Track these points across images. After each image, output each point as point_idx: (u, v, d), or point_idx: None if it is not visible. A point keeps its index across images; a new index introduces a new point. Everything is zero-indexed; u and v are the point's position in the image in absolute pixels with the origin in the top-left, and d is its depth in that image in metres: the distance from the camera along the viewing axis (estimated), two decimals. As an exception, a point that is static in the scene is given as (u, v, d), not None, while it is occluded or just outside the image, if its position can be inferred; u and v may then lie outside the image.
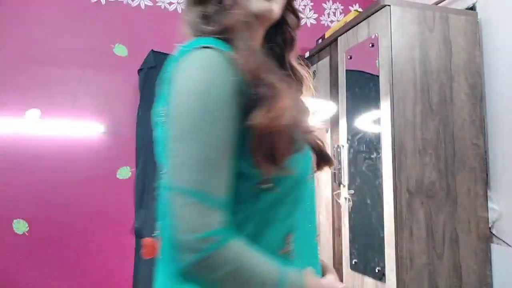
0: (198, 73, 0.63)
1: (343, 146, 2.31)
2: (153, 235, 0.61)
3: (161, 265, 0.74)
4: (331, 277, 0.75)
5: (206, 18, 0.76)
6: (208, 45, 0.65)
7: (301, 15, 3.16)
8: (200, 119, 0.60)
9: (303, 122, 0.72)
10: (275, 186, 0.65)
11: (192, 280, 0.59)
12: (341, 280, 2.31)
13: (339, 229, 2.37)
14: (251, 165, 0.62)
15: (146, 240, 0.62)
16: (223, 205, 0.59)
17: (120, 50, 2.69)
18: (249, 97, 0.62)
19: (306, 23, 3.06)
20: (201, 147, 0.59)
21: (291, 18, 0.87)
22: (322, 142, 0.80)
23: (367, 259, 2.07)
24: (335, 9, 3.14)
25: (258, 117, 0.60)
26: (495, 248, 1.99)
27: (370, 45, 2.06)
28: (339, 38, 2.41)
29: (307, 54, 2.88)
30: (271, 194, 0.66)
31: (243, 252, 0.59)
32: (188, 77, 0.64)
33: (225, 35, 0.69)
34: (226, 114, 0.60)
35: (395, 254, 1.84)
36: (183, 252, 0.57)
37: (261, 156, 0.61)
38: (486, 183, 2.02)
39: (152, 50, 2.67)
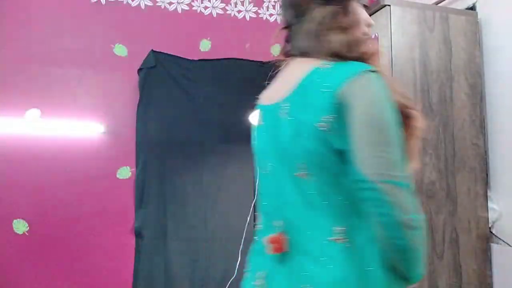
0: (383, 91, 0.76)
1: (343, 146, 2.31)
2: (276, 231, 0.65)
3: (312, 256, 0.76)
4: None
5: (349, 46, 0.82)
6: (372, 69, 0.78)
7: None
8: (396, 128, 0.75)
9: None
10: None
11: (410, 251, 0.77)
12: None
13: (339, 229, 2.37)
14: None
15: (274, 237, 0.66)
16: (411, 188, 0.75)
17: (120, 50, 2.69)
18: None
19: (306, 23, 3.06)
20: (400, 150, 0.75)
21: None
22: None
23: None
24: (335, 9, 3.14)
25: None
26: (495, 248, 1.99)
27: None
28: (339, 38, 2.41)
29: (307, 54, 2.88)
30: None
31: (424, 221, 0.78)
32: (378, 94, 0.76)
33: (362, 60, 0.82)
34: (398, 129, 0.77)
35: (395, 254, 1.84)
36: (408, 229, 0.74)
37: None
38: (486, 183, 2.02)
39: (152, 50, 2.67)
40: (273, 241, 0.79)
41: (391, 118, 0.75)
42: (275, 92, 0.94)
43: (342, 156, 0.75)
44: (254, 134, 1.02)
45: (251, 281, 0.86)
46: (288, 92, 0.84)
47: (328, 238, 0.75)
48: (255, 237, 0.95)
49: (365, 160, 0.72)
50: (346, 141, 0.74)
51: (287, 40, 1.04)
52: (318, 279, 0.74)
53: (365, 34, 0.91)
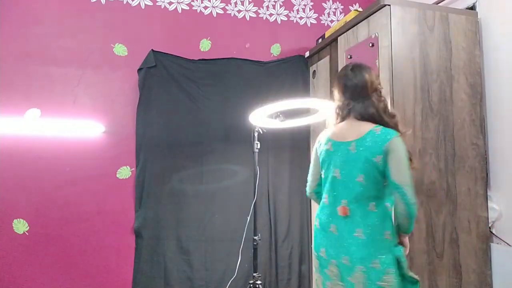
0: (403, 147, 1.51)
1: (343, 145, 2.31)
2: (342, 205, 1.60)
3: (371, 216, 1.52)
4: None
5: (391, 123, 1.57)
6: (399, 135, 1.53)
7: (301, 14, 3.17)
8: (407, 163, 1.50)
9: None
10: None
11: (413, 215, 1.48)
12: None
13: (339, 229, 2.37)
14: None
15: (342, 207, 1.55)
16: None
17: (120, 49, 2.69)
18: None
19: (306, 22, 3.06)
20: (409, 171, 1.49)
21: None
22: None
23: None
24: (335, 8, 3.14)
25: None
26: (495, 247, 1.99)
27: (370, 44, 2.05)
28: (339, 38, 2.41)
29: (307, 54, 2.88)
30: None
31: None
32: (402, 149, 1.50)
33: (394, 128, 1.55)
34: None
35: (395, 254, 1.84)
36: (414, 206, 1.47)
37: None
38: (486, 183, 2.02)
39: (152, 49, 2.67)
40: (341, 209, 1.56)
41: (406, 159, 1.50)
42: (344, 136, 1.60)
43: (381, 174, 1.52)
44: (323, 153, 1.67)
45: (326, 228, 1.60)
46: (356, 138, 1.56)
47: (367, 209, 1.52)
48: (324, 205, 1.65)
49: (396, 175, 1.48)
50: (386, 167, 1.50)
51: (343, 107, 1.63)
52: (363, 224, 1.50)
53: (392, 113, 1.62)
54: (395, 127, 1.55)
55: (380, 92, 1.60)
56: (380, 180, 1.51)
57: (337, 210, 1.55)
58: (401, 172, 1.47)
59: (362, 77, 1.56)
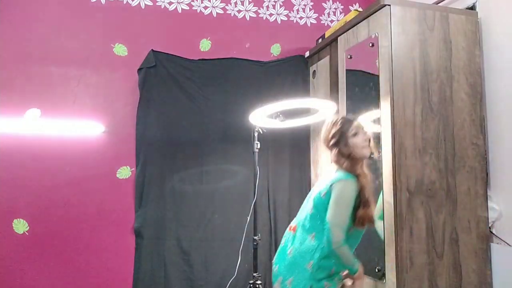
0: (346, 190, 1.67)
1: (343, 145, 2.31)
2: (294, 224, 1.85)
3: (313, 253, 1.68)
4: (362, 270, 1.70)
5: (345, 166, 1.73)
6: (349, 178, 1.68)
7: (301, 14, 3.17)
8: (343, 206, 1.66)
9: (372, 214, 1.71)
10: (355, 232, 1.70)
11: (336, 255, 1.61)
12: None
13: (339, 229, 2.37)
14: (352, 223, 1.67)
15: (292, 226, 1.82)
16: (345, 232, 1.63)
17: (120, 49, 2.69)
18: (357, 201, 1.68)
19: (306, 22, 3.06)
20: (346, 215, 1.64)
21: (374, 152, 1.84)
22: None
23: (367, 258, 2.07)
24: (335, 8, 3.14)
25: (360, 212, 1.66)
26: (495, 247, 1.99)
27: (370, 44, 2.05)
28: (339, 38, 2.41)
29: (307, 54, 2.88)
30: (351, 233, 1.68)
31: (347, 248, 1.63)
32: (343, 191, 1.66)
33: (358, 173, 1.71)
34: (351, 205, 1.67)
35: (395, 254, 1.84)
36: (335, 246, 1.60)
37: (358, 223, 1.67)
38: (486, 183, 2.02)
39: (152, 49, 2.67)
40: (292, 226, 1.81)
41: (344, 201, 1.64)
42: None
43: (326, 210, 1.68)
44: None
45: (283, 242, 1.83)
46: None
47: (307, 236, 1.71)
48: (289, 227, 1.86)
49: (328, 213, 1.64)
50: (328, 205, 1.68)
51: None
52: (297, 247, 1.70)
53: (362, 152, 1.74)
54: (347, 171, 1.70)
55: (334, 143, 1.77)
56: (325, 216, 1.66)
57: (289, 227, 1.83)
58: (331, 211, 1.62)
59: (322, 134, 1.84)
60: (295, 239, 1.73)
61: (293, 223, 1.82)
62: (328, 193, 1.66)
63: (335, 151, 1.76)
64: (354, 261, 1.65)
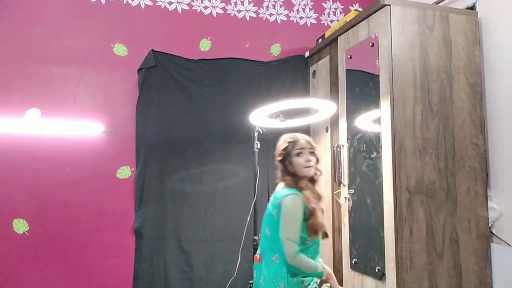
0: (292, 204, 1.74)
1: (343, 145, 2.31)
2: (258, 253, 1.88)
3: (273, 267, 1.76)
4: (329, 269, 1.82)
5: (289, 182, 1.82)
6: (294, 193, 1.75)
7: (301, 14, 3.17)
8: (293, 219, 1.72)
9: (322, 221, 1.77)
10: (312, 242, 1.77)
11: (292, 266, 1.68)
12: (341, 280, 2.31)
13: (339, 229, 2.37)
14: (306, 234, 1.72)
15: (257, 255, 1.87)
16: (298, 244, 1.70)
17: (120, 49, 2.69)
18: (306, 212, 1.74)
19: (306, 22, 3.06)
20: (295, 227, 1.70)
21: (317, 171, 1.88)
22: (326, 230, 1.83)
23: (367, 258, 2.07)
24: (335, 8, 3.14)
25: (310, 222, 1.72)
26: (495, 247, 1.99)
27: (370, 44, 2.05)
28: (339, 38, 2.41)
29: (307, 54, 2.88)
30: (309, 245, 1.76)
31: (303, 257, 1.70)
32: (290, 206, 1.73)
33: (300, 186, 1.79)
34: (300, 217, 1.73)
35: (395, 254, 1.84)
36: (289, 259, 1.68)
37: (311, 232, 1.72)
38: (486, 183, 2.02)
39: (152, 49, 2.67)
40: (256, 257, 1.88)
41: (292, 215, 1.71)
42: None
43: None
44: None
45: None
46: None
47: (271, 259, 1.76)
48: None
49: (280, 229, 1.70)
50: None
51: None
52: (266, 273, 1.76)
53: (303, 172, 1.82)
54: (291, 187, 1.78)
55: (280, 160, 1.86)
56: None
57: (254, 257, 1.88)
58: (282, 227, 1.69)
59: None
60: (263, 268, 1.78)
61: (258, 253, 1.88)
62: (279, 211, 1.72)
63: (281, 167, 1.86)
64: (315, 266, 1.72)
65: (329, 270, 1.81)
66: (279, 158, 1.86)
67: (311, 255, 1.75)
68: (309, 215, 1.72)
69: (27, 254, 2.45)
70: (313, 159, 1.84)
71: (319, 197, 1.86)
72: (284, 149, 1.85)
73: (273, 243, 1.74)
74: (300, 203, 1.72)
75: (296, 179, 1.80)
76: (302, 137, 1.88)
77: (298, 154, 1.82)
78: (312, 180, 1.88)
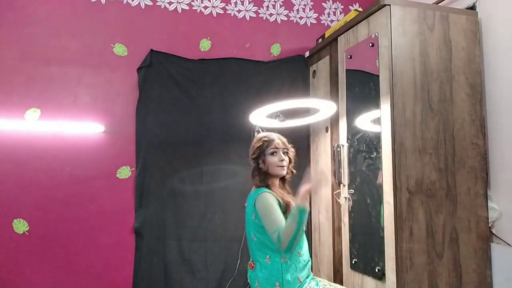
0: (264, 200, 1.75)
1: (343, 145, 2.31)
2: (251, 260, 1.87)
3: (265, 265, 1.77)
4: (298, 198, 1.67)
5: (259, 181, 1.84)
6: (263, 191, 1.77)
7: (301, 14, 3.16)
8: (271, 211, 1.71)
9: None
10: None
11: (285, 248, 1.63)
12: (341, 280, 2.31)
13: (339, 229, 2.37)
14: None
15: (250, 263, 1.85)
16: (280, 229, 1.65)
17: (120, 49, 2.69)
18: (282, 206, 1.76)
19: (306, 22, 3.05)
20: (274, 218, 1.68)
21: (289, 171, 1.90)
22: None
23: (367, 258, 2.07)
24: (335, 8, 3.14)
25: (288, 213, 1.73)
26: (495, 247, 1.99)
27: (370, 44, 2.05)
28: (339, 38, 2.41)
29: (307, 54, 2.88)
30: None
31: (282, 230, 1.63)
32: (262, 203, 1.74)
33: (267, 184, 1.82)
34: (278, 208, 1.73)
35: (395, 254, 1.84)
36: (283, 246, 1.63)
37: None
38: (486, 183, 2.02)
39: (151, 49, 2.67)
40: (249, 264, 1.85)
41: (266, 210, 1.70)
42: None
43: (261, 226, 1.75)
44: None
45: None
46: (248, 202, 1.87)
47: (264, 261, 1.75)
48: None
49: (265, 226, 1.70)
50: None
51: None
52: (260, 275, 1.74)
53: (276, 171, 1.84)
54: (259, 186, 1.80)
55: (255, 160, 1.86)
56: (267, 237, 1.70)
57: (248, 265, 1.86)
58: (266, 224, 1.68)
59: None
60: (257, 272, 1.76)
61: (250, 261, 1.87)
62: (257, 214, 1.74)
63: (253, 165, 1.87)
64: (293, 218, 1.61)
65: (298, 198, 1.65)
66: (253, 156, 1.87)
67: (298, 246, 1.75)
68: (285, 209, 1.74)
69: (27, 254, 2.46)
70: (287, 159, 1.86)
71: (288, 194, 1.87)
72: (259, 147, 1.86)
73: (262, 246, 1.75)
74: (273, 197, 1.74)
75: (265, 178, 1.82)
76: (277, 137, 1.89)
77: (272, 153, 1.84)
78: (283, 180, 1.90)
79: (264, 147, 1.85)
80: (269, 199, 1.72)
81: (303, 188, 1.64)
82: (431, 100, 1.96)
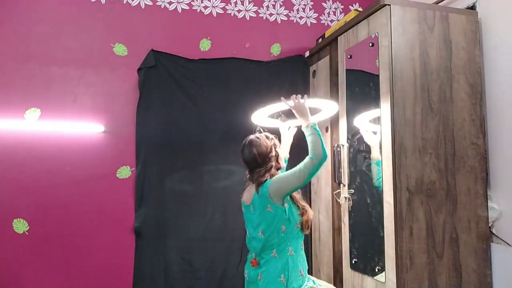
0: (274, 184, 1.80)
1: (343, 145, 2.31)
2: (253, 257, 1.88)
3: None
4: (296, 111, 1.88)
5: (264, 174, 1.83)
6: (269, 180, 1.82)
7: (301, 14, 3.16)
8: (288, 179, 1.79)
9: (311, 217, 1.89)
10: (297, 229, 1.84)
11: (322, 156, 1.79)
12: (341, 280, 2.31)
13: (339, 229, 2.37)
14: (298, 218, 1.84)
15: (252, 260, 1.83)
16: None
17: (120, 49, 2.69)
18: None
19: (306, 22, 3.05)
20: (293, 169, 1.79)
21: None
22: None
23: (367, 258, 2.07)
24: (335, 8, 3.14)
25: (304, 218, 1.86)
26: (495, 247, 1.99)
27: (370, 44, 2.05)
28: (339, 38, 2.41)
29: (307, 54, 2.88)
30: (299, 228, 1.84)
31: (311, 148, 1.81)
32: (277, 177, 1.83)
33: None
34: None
35: (395, 254, 1.84)
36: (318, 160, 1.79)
37: (305, 228, 1.85)
38: (486, 183, 2.02)
39: (152, 49, 2.67)
40: (252, 262, 1.83)
41: (283, 175, 1.79)
42: (246, 199, 1.87)
43: (278, 220, 1.76)
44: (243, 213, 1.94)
45: (244, 274, 1.90)
46: (250, 200, 1.84)
47: (270, 255, 1.77)
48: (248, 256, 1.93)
49: (296, 176, 1.77)
50: (283, 197, 1.78)
51: (247, 175, 1.92)
52: (265, 268, 1.76)
53: (282, 163, 1.96)
54: (265, 180, 1.80)
55: (272, 158, 1.87)
56: (278, 228, 1.75)
57: (250, 263, 1.84)
58: (296, 176, 1.74)
59: (251, 153, 1.84)
60: (262, 267, 1.78)
61: (251, 257, 1.86)
62: (272, 205, 1.76)
63: (271, 163, 1.86)
64: (312, 133, 1.80)
65: (300, 119, 1.85)
66: (271, 154, 1.87)
67: (297, 237, 1.81)
68: (301, 213, 1.81)
69: (27, 254, 2.46)
70: None
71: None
72: (273, 145, 1.91)
73: (270, 241, 1.76)
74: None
75: (271, 172, 1.86)
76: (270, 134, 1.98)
77: (276, 147, 1.92)
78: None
79: (275, 144, 1.93)
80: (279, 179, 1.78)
81: (296, 113, 1.84)
82: (431, 100, 1.96)
